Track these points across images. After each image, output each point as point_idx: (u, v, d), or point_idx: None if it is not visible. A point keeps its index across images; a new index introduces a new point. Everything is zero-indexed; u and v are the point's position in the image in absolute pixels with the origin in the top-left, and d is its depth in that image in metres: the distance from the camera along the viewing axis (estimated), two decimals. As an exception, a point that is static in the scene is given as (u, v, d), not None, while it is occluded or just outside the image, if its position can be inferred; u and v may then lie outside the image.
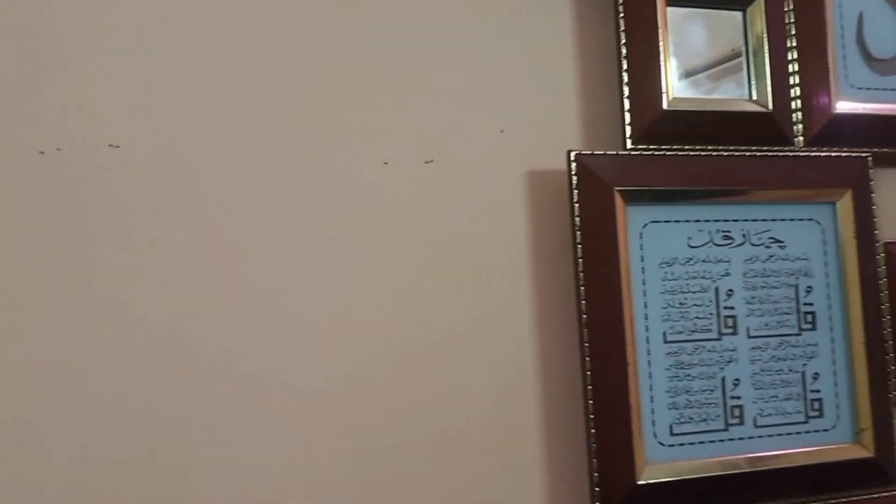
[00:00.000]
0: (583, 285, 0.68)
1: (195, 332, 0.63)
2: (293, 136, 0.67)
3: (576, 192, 0.69)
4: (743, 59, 0.78)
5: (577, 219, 0.69)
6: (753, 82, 0.77)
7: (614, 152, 0.71)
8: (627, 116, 0.73)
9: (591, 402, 0.67)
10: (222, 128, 0.66)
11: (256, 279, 0.65)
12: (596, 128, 0.76)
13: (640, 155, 0.72)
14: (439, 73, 0.72)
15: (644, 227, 0.72)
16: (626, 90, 0.73)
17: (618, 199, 0.70)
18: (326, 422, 0.66)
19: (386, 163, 0.69)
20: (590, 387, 0.67)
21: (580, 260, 0.69)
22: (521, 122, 0.73)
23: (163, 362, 0.62)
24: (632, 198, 0.71)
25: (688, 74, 0.76)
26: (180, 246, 0.64)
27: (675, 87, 0.74)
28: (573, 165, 0.69)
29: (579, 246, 0.69)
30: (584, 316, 0.68)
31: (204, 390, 0.63)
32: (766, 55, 0.77)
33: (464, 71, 0.73)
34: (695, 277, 0.73)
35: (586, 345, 0.68)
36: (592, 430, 0.67)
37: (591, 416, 0.67)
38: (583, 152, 0.70)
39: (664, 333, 0.71)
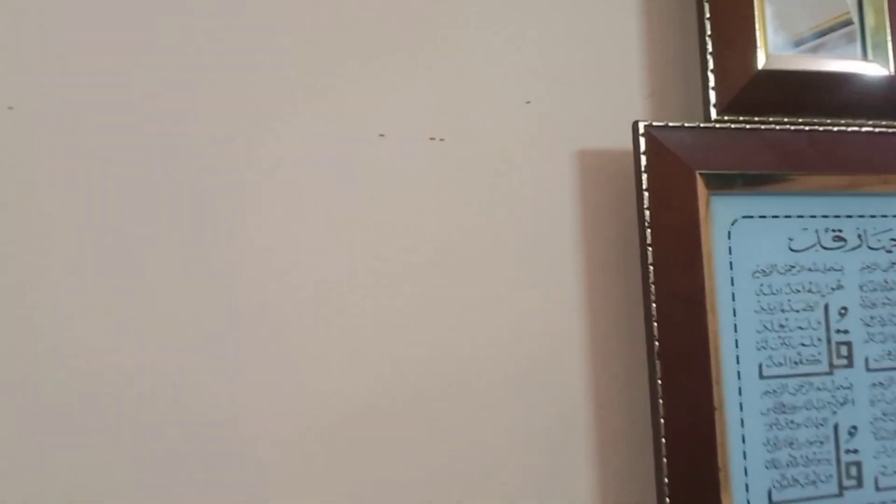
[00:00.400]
0: (654, 302, 0.51)
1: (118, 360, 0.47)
2: (250, 91, 0.50)
3: (645, 176, 0.52)
4: (856, 10, 0.60)
5: (647, 212, 0.52)
6: (869, 37, 0.60)
7: (696, 124, 0.54)
8: (711, 78, 0.55)
9: (664, 459, 0.51)
10: (169, 89, 0.49)
11: (211, 276, 0.48)
12: (666, 95, 0.59)
13: (729, 128, 0.55)
14: (455, 22, 0.55)
15: (733, 223, 0.55)
16: (709, 45, 0.55)
17: (700, 187, 0.53)
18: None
19: (382, 135, 0.52)
20: (664, 440, 0.51)
21: (651, 268, 0.51)
22: (566, 89, 0.56)
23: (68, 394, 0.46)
24: (718, 184, 0.54)
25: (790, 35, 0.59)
26: (115, 235, 0.47)
27: (772, 43, 0.57)
28: (642, 141, 0.52)
29: (649, 249, 0.52)
30: (656, 343, 0.51)
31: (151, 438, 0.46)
32: (886, 4, 0.59)
33: (488, 20, 0.55)
34: (798, 291, 0.56)
35: (659, 382, 0.51)
36: (667, 499, 0.50)
37: (666, 480, 0.50)
38: (655, 124, 0.53)
39: (760, 366, 0.54)
